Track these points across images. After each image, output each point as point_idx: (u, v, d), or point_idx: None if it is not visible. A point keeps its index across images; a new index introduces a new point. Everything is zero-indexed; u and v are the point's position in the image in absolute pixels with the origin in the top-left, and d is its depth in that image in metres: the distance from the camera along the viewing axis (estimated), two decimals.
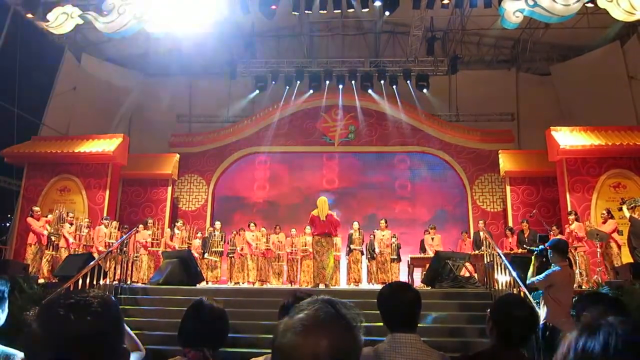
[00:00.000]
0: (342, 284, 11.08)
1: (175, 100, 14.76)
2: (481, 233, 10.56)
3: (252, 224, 11.61)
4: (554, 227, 9.91)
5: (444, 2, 10.67)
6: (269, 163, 14.40)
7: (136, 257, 10.54)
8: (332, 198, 9.52)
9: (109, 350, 1.07)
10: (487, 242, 8.37)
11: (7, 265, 7.84)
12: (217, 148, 14.12)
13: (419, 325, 2.07)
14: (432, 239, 10.92)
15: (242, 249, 11.28)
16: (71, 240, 9.96)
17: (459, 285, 8.13)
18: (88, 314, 1.05)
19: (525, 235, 10.19)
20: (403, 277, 10.55)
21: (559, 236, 9.36)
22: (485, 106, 14.24)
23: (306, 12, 11.22)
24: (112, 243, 9.57)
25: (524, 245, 9.85)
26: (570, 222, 9.52)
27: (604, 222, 9.16)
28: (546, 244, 4.91)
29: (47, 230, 9.74)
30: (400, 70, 13.71)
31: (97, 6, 9.96)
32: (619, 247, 8.82)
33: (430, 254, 10.29)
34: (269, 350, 2.55)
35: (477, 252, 10.06)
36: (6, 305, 1.99)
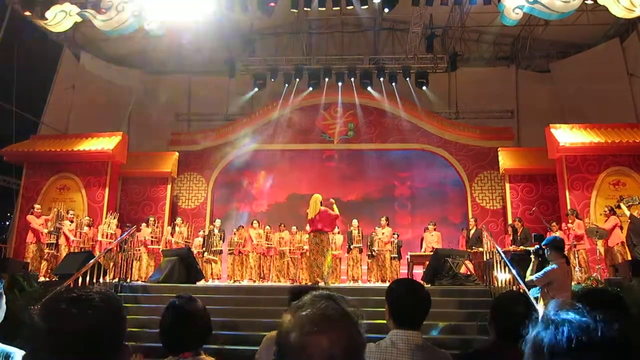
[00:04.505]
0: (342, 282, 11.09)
1: (175, 98, 14.74)
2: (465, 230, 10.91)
3: (255, 222, 11.57)
4: (554, 224, 9.91)
5: None
6: (268, 161, 14.38)
7: (136, 255, 10.54)
8: (331, 196, 9.48)
9: (110, 346, 1.07)
10: (487, 240, 8.37)
11: (7, 264, 7.84)
12: (216, 146, 14.08)
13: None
14: (432, 235, 10.93)
15: (240, 245, 11.23)
16: (72, 238, 9.97)
17: (458, 283, 8.15)
18: (89, 309, 1.05)
19: (518, 234, 10.20)
20: (403, 275, 10.55)
21: (558, 231, 9.40)
22: (484, 103, 14.23)
23: (305, 9, 11.20)
24: (112, 235, 9.57)
25: (520, 245, 9.86)
26: (570, 221, 9.53)
27: (607, 219, 9.17)
28: (542, 243, 4.91)
29: (46, 228, 9.75)
30: (399, 68, 13.68)
31: (96, 4, 9.95)
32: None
33: (423, 251, 10.36)
34: None
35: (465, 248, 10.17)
36: (3, 301, 1.97)
